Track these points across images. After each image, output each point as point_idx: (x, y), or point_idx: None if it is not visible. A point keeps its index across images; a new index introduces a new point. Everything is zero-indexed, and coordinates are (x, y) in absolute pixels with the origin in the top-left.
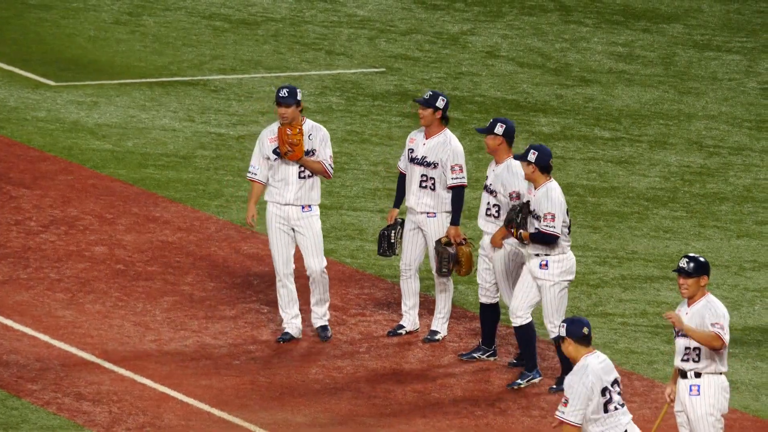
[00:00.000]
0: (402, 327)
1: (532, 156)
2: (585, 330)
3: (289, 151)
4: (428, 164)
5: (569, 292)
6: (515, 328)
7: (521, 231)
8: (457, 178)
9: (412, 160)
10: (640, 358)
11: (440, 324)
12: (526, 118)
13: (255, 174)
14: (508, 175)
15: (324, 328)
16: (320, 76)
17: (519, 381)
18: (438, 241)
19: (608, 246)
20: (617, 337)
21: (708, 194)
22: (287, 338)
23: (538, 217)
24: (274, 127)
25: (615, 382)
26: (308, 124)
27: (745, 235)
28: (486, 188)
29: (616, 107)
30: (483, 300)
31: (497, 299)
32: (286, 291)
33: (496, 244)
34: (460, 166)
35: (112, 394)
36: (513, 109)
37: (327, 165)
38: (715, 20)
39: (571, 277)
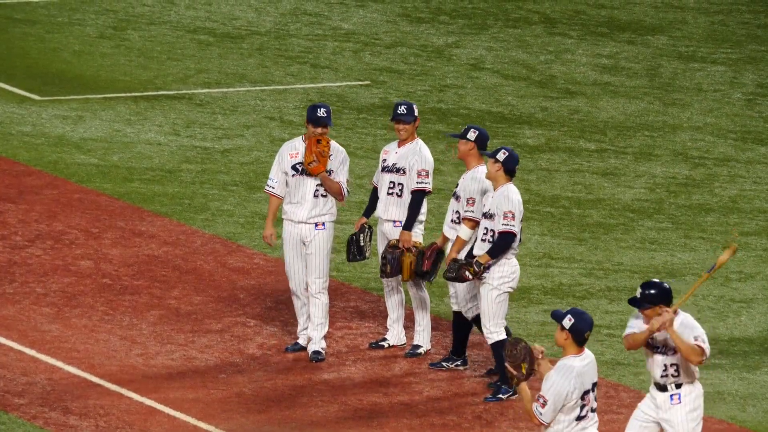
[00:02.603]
0: (385, 340)
1: (501, 155)
2: (586, 335)
3: (313, 162)
4: (398, 170)
5: (556, 304)
6: (490, 344)
7: (476, 260)
8: (421, 182)
9: (383, 169)
10: (626, 369)
11: (421, 337)
12: (511, 130)
13: (273, 188)
14: (470, 182)
15: (317, 352)
16: (305, 89)
17: (502, 397)
18: (387, 243)
19: (594, 258)
20: (603, 349)
21: (693, 205)
22: (297, 348)
23: (492, 216)
24: (296, 142)
25: (594, 385)
26: (332, 145)
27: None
28: (454, 194)
29: (601, 119)
30: (453, 308)
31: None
32: (300, 303)
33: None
34: (427, 172)
35: (99, 408)
36: (498, 121)
37: (344, 186)
38: (700, 31)
39: (512, 284)
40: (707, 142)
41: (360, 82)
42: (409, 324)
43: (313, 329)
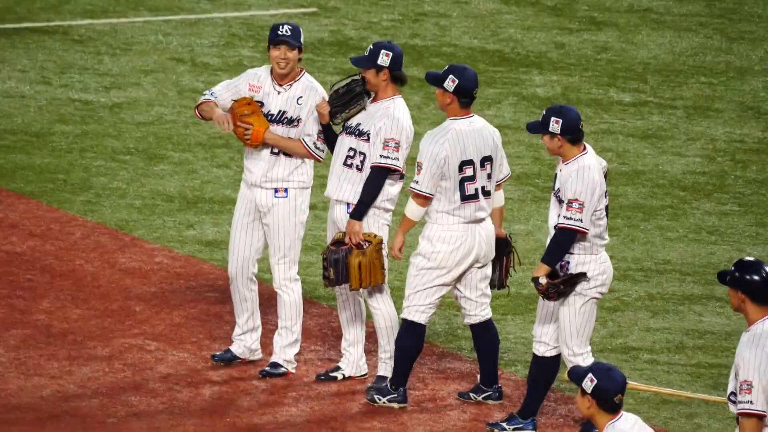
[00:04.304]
0: (338, 369)
1: (555, 125)
2: (617, 398)
3: (246, 133)
4: (360, 133)
5: None
6: (535, 357)
7: (533, 277)
8: (386, 156)
9: (346, 128)
10: (675, 410)
11: (388, 366)
12: (515, 75)
13: (213, 95)
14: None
15: (275, 365)
16: (226, 20)
17: (503, 424)
18: (333, 238)
19: (630, 254)
20: (644, 381)
21: None
22: (228, 358)
23: (561, 201)
24: (261, 72)
25: None
26: (303, 83)
27: None
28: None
29: (640, 60)
30: (465, 320)
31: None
32: (239, 296)
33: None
34: (397, 144)
35: None
36: (496, 63)
37: (311, 146)
38: None
39: (604, 289)
40: None
41: (303, 9)
42: (372, 347)
43: (278, 333)
